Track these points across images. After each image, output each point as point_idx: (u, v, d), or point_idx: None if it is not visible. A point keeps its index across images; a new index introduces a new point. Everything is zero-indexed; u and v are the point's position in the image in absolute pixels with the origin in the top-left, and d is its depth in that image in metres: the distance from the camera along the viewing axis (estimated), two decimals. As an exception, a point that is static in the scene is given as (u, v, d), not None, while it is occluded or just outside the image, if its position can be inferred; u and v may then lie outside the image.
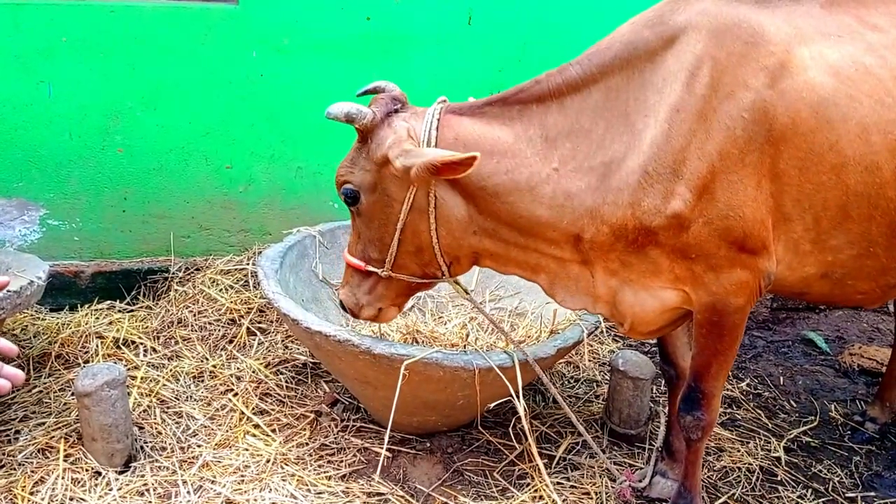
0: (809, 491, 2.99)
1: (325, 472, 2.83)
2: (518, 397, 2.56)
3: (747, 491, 2.95)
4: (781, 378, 3.82)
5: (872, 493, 3.01)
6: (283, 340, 3.58)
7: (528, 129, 2.25)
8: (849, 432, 3.40)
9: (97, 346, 3.48)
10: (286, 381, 3.35)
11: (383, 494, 2.75)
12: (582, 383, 3.59)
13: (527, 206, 2.27)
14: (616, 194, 2.21)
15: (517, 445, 2.99)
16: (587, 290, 2.42)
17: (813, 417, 3.48)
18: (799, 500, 2.93)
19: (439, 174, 2.14)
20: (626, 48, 2.23)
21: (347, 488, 2.77)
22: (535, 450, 2.69)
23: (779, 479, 3.05)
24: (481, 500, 2.79)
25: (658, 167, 2.17)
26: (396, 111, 2.32)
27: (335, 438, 3.02)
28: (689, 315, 2.46)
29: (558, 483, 2.87)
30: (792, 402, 3.62)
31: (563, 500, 2.77)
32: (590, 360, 3.75)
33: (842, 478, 3.08)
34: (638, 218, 2.21)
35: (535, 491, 2.80)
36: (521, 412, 2.53)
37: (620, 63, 2.22)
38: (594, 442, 2.92)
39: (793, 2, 2.31)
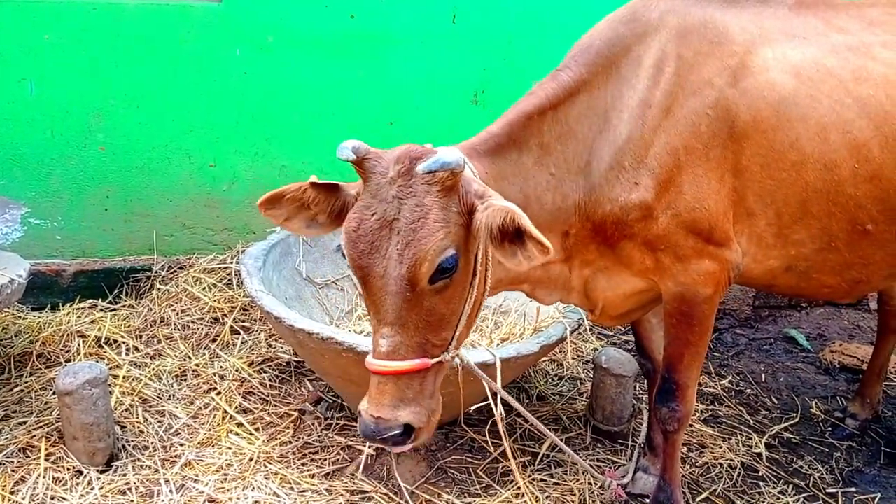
0: (790, 486, 3.01)
1: (308, 471, 2.83)
2: (496, 402, 2.50)
3: (729, 487, 2.97)
4: (763, 375, 3.85)
5: (853, 489, 3.04)
6: (266, 339, 3.57)
7: (528, 140, 2.23)
8: (829, 429, 3.43)
9: (79, 344, 3.46)
10: (270, 380, 3.34)
11: (367, 492, 2.75)
12: (566, 381, 3.60)
13: (534, 215, 2.15)
14: (598, 190, 2.26)
15: (501, 443, 2.99)
16: (564, 285, 2.45)
17: (794, 414, 3.51)
18: (780, 495, 2.95)
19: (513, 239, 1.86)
20: (605, 45, 2.28)
21: (331, 486, 2.76)
22: (510, 451, 2.59)
23: (760, 474, 3.07)
24: (465, 497, 2.79)
25: (632, 161, 2.23)
26: None
27: (319, 437, 3.02)
28: (657, 300, 2.51)
29: (542, 480, 2.89)
30: (773, 399, 3.64)
31: (547, 497, 2.78)
32: (574, 358, 3.76)
33: (822, 473, 3.11)
34: (614, 211, 2.25)
35: (518, 488, 2.81)
36: (498, 417, 2.41)
37: (602, 60, 2.26)
38: (571, 442, 2.92)
39: (761, 3, 2.38)
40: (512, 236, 1.85)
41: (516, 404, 2.53)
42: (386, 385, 1.94)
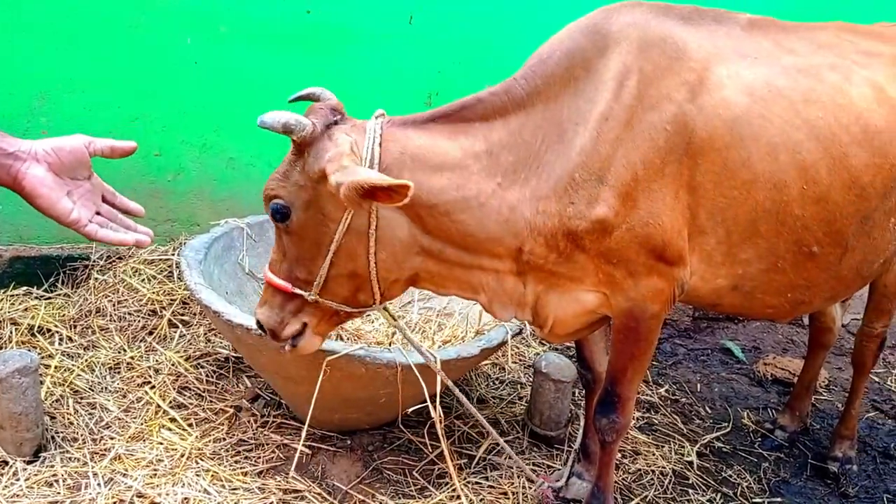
0: (719, 495, 3.08)
1: (241, 468, 2.80)
2: (434, 404, 2.53)
3: (659, 493, 3.02)
4: (699, 385, 3.93)
5: (779, 499, 3.12)
6: (205, 333, 3.52)
7: (473, 145, 2.19)
8: (759, 439, 3.51)
9: (11, 332, 3.37)
10: (206, 375, 3.29)
11: (300, 492, 2.73)
12: (506, 384, 3.62)
13: (477, 223, 2.21)
14: (546, 203, 2.22)
15: (438, 444, 2.99)
16: (518, 300, 2.41)
17: (726, 424, 3.59)
18: (708, 503, 3.02)
19: (373, 199, 1.93)
20: (565, 56, 2.24)
21: (263, 485, 2.73)
22: (448, 453, 2.62)
23: (690, 482, 3.13)
24: (399, 498, 2.79)
25: (584, 174, 2.19)
26: (336, 123, 2.15)
27: (254, 434, 2.99)
28: (604, 320, 2.52)
29: (477, 483, 2.90)
30: (707, 409, 3.72)
31: (481, 500, 2.80)
32: (515, 362, 3.78)
33: (750, 483, 3.18)
34: (565, 224, 2.22)
35: (453, 490, 2.82)
36: (436, 418, 2.44)
37: (560, 72, 2.23)
38: (508, 445, 2.95)
39: (714, 22, 2.39)
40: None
41: (463, 398, 2.53)
42: (267, 289, 2.33)
